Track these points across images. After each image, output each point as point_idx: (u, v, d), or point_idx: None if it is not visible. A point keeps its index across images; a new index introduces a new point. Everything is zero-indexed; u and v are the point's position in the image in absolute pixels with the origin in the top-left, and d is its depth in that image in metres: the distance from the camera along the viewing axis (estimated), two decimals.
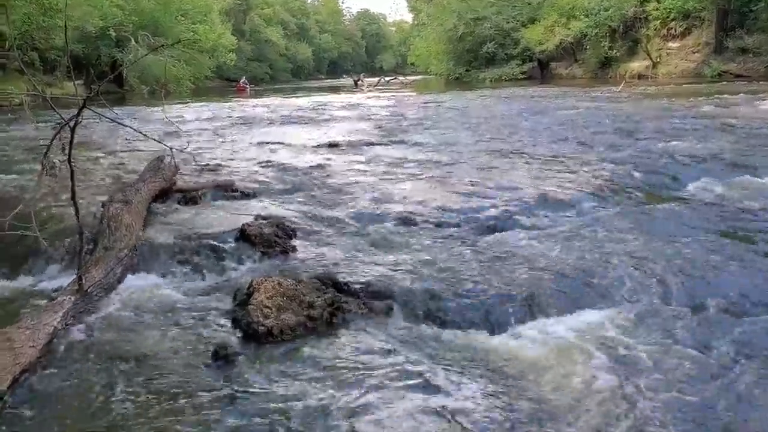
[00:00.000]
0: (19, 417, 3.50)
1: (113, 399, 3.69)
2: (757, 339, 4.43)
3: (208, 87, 57.92)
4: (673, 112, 16.68)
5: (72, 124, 4.03)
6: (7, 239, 5.74)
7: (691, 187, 8.17)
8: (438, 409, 3.66)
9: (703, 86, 27.74)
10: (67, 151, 4.03)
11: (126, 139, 13.32)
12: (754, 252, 5.90)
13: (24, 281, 5.51)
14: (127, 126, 5.06)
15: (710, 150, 10.33)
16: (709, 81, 32.06)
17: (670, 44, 40.98)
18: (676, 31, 40.87)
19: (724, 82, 29.96)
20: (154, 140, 4.92)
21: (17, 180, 9.02)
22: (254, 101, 33.50)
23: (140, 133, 4.21)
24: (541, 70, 51.13)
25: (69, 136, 4.00)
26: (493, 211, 7.06)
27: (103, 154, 11.21)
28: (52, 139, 3.97)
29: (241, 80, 58.62)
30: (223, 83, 64.40)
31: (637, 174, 8.71)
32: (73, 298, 4.62)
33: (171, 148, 4.44)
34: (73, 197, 4.27)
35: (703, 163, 9.38)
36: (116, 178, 8.72)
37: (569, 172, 8.84)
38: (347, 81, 63.24)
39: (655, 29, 41.34)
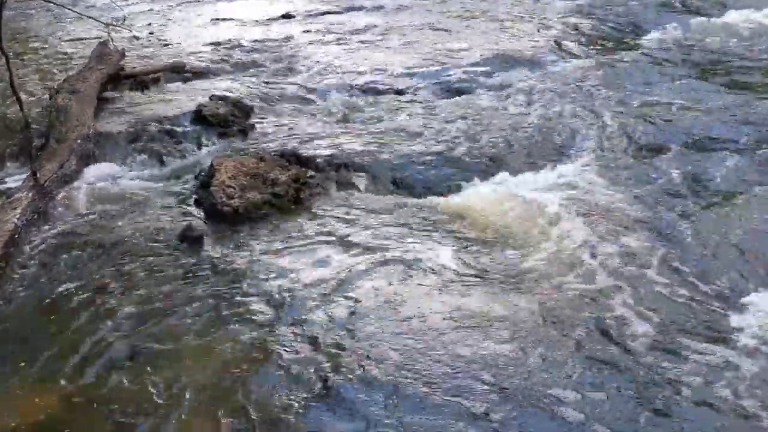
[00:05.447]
0: None
1: (85, 287, 3.71)
2: (712, 170, 4.71)
3: None
4: None
5: None
6: None
7: (652, 33, 8.03)
8: (405, 272, 3.74)
9: None
10: None
11: (66, 27, 12.55)
12: (715, 90, 6.02)
13: None
14: (58, 4, 4.69)
15: None
16: None
17: None
18: None
19: None
20: (90, 18, 4.59)
21: None
22: None
23: (72, 10, 3.90)
24: None
25: None
26: (454, 74, 6.93)
27: (45, 45, 10.61)
28: None
29: None
30: None
31: (595, 25, 8.55)
32: (30, 194, 4.51)
33: (107, 25, 4.16)
34: (12, 87, 4.05)
35: (662, 7, 9.20)
36: (61, 68, 8.31)
37: (529, 29, 8.62)
38: None
39: None
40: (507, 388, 2.87)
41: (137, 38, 8.72)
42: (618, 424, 2.71)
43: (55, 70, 7.54)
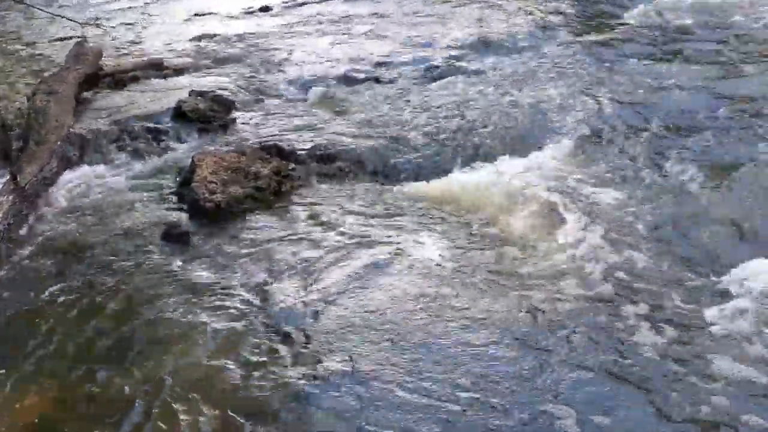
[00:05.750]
0: None
1: (70, 289, 3.70)
2: (691, 148, 4.78)
3: None
4: None
5: None
6: None
7: (627, 13, 8.06)
8: (390, 264, 3.76)
9: None
10: None
11: (42, 28, 12.43)
12: (689, 71, 6.07)
13: None
14: (30, 5, 4.66)
15: None
16: None
17: None
18: None
19: None
20: (65, 18, 4.55)
21: None
22: None
23: (44, 11, 3.88)
24: None
25: None
26: (434, 60, 6.93)
27: (20, 47, 10.53)
28: None
29: None
30: None
31: (573, 7, 8.56)
32: (10, 197, 4.48)
33: (83, 24, 4.13)
34: None
35: None
36: (38, 69, 8.24)
37: (507, 13, 8.63)
38: None
39: None
40: (494, 392, 2.87)
41: (114, 37, 8.66)
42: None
43: (31, 72, 7.48)
